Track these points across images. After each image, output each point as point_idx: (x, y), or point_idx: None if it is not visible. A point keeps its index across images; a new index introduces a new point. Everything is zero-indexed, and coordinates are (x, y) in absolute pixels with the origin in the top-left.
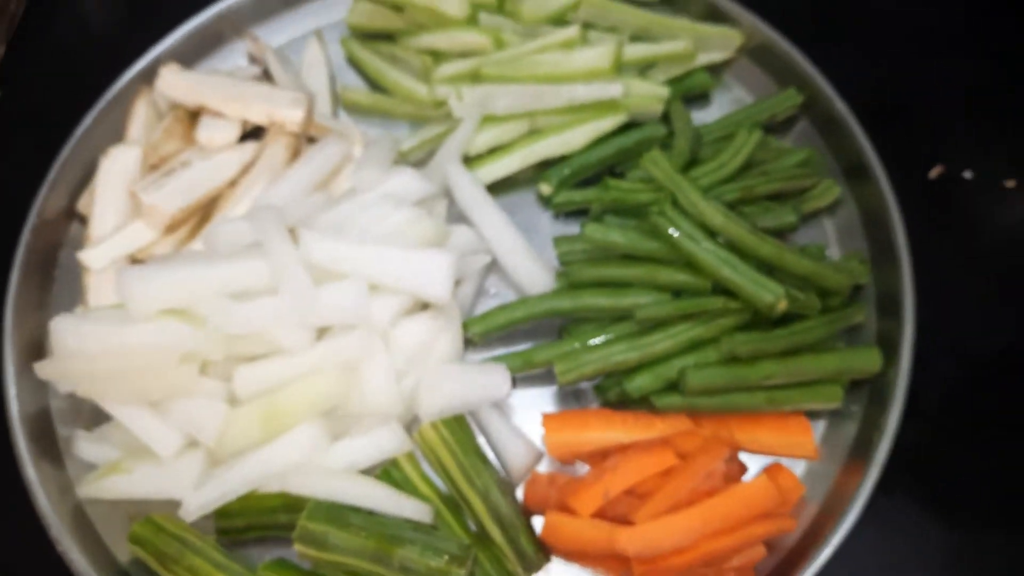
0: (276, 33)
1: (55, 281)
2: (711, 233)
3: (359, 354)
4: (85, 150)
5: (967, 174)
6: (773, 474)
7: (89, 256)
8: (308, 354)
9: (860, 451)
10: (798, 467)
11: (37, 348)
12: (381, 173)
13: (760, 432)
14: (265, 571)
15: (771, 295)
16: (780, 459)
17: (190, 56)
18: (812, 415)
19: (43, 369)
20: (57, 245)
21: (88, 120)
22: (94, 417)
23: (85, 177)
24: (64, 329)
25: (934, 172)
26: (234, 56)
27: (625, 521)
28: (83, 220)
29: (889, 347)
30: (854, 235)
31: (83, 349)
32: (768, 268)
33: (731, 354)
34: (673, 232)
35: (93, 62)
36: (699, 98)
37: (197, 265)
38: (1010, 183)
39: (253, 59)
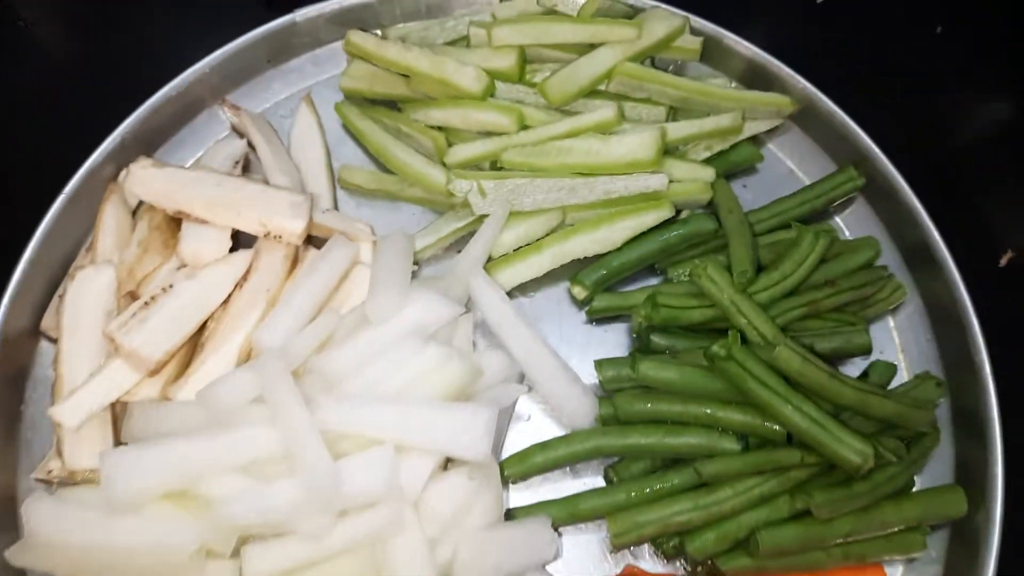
0: (259, 96)
1: (23, 419)
2: (784, 377)
3: (388, 529)
4: (46, 258)
5: None
6: None
7: (62, 412)
8: (330, 535)
9: None
10: None
11: (6, 498)
12: (398, 301)
13: None
14: None
15: (858, 457)
16: None
17: (166, 128)
18: (886, 561)
19: (16, 556)
20: (23, 373)
21: (47, 221)
22: None
23: (49, 288)
24: (39, 514)
25: (1004, 259)
26: (215, 124)
27: None
28: (49, 338)
29: (971, 476)
30: (921, 335)
31: (63, 539)
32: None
33: (807, 511)
34: (748, 384)
35: (45, 131)
36: (742, 173)
37: (195, 441)
38: None
39: (236, 129)
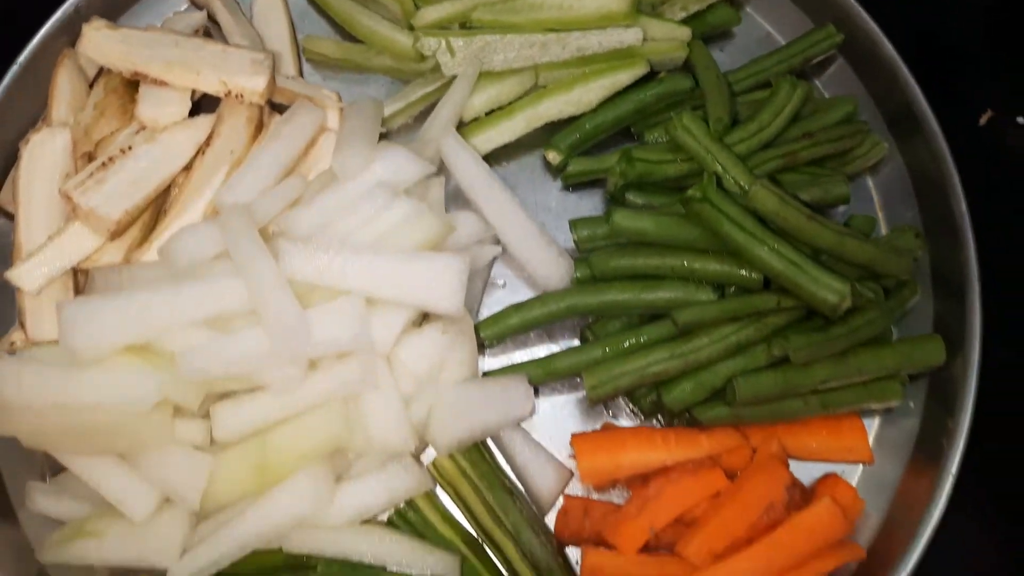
0: None
1: None
2: (760, 218)
3: (360, 384)
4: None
5: (1021, 119)
6: (830, 489)
7: (19, 275)
8: (301, 390)
9: (924, 452)
10: (853, 474)
11: None
12: (366, 157)
13: (810, 438)
14: None
15: (835, 296)
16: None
17: (120, 2)
18: (863, 412)
19: None
20: None
21: None
22: (51, 460)
23: (5, 164)
24: (0, 375)
25: (984, 118)
26: None
27: (672, 551)
28: (7, 215)
29: (950, 332)
30: (901, 196)
31: (26, 400)
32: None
33: (785, 359)
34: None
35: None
36: (718, 36)
37: (158, 292)
38: None
39: (196, 2)
